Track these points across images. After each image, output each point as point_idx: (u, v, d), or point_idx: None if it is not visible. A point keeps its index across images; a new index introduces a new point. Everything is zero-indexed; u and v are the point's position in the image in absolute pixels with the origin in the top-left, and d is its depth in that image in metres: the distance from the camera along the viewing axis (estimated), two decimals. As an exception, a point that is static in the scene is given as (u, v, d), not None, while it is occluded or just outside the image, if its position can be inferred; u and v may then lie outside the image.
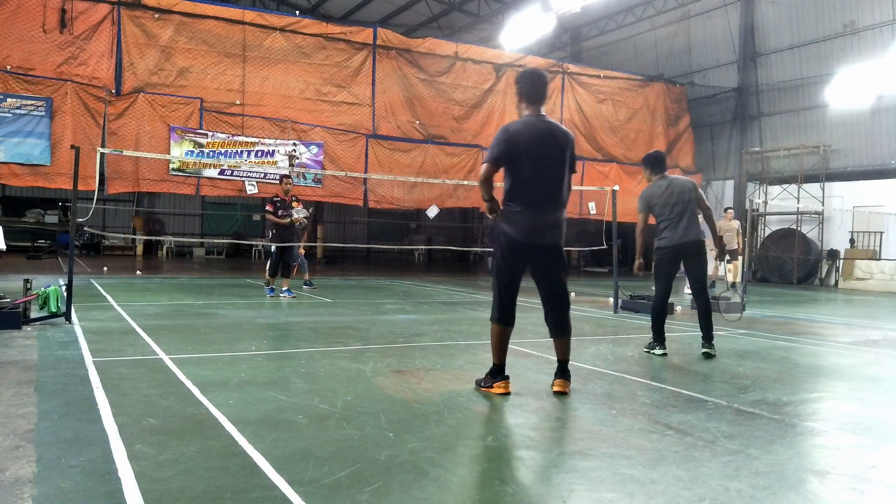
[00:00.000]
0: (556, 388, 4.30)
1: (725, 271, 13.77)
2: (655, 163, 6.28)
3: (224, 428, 3.29)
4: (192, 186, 15.31)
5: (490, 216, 4.31)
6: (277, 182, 16.05)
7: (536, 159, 4.19)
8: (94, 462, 2.75)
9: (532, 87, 4.41)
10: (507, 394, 4.20)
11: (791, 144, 20.59)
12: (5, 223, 20.58)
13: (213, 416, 3.48)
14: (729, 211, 14.79)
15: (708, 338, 5.99)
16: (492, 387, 4.26)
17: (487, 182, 4.23)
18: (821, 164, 19.84)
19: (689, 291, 6.60)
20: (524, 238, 4.18)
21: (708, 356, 5.87)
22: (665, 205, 6.03)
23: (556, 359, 4.40)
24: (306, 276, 12.14)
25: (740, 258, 14.07)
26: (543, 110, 4.41)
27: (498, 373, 4.30)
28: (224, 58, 15.37)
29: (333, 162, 16.31)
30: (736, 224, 14.29)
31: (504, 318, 4.31)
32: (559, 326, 4.36)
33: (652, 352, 6.04)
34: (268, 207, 10.54)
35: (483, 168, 4.27)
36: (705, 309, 6.05)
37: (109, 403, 3.66)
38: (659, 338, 6.08)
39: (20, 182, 14.07)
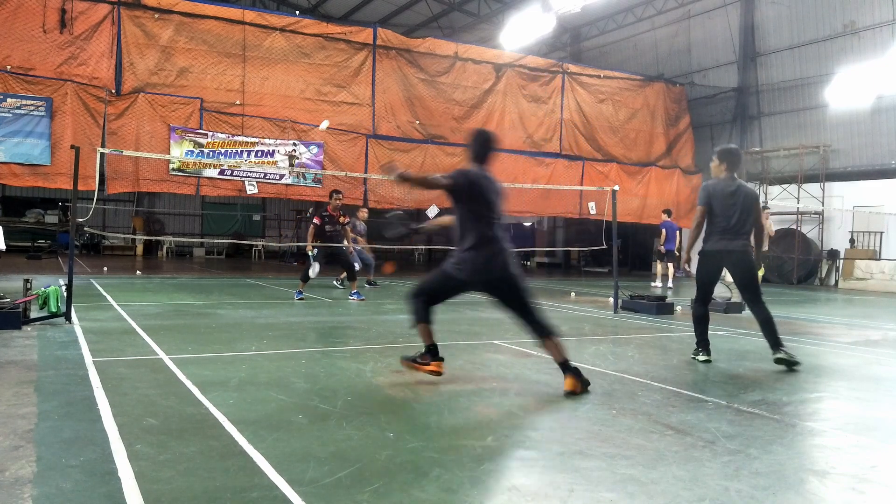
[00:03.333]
0: (566, 388, 4.28)
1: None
2: (733, 159, 5.80)
3: (224, 428, 3.29)
4: (192, 186, 15.31)
5: (411, 229, 4.81)
6: (276, 181, 16.04)
7: (492, 203, 4.41)
8: (94, 462, 2.75)
9: (482, 148, 4.57)
10: (440, 373, 4.43)
11: (791, 144, 20.59)
12: (5, 223, 20.61)
13: (213, 416, 3.48)
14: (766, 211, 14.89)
15: (776, 344, 5.51)
16: (429, 363, 4.45)
17: (434, 187, 4.49)
18: (821, 164, 19.84)
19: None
20: (472, 277, 4.35)
21: (783, 362, 5.39)
22: (726, 208, 5.63)
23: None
24: (370, 277, 12.93)
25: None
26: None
27: (435, 353, 4.49)
28: (224, 58, 15.37)
29: (333, 162, 16.32)
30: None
31: (428, 318, 4.49)
32: (538, 331, 4.40)
33: (696, 358, 5.76)
34: (315, 221, 10.56)
35: (444, 181, 4.36)
36: (765, 321, 5.60)
37: (109, 403, 3.66)
38: (702, 342, 5.78)
39: (20, 182, 14.07)
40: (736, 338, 7.31)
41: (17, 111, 13.34)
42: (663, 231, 15.90)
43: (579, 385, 4.28)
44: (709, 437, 3.43)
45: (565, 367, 4.33)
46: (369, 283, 12.65)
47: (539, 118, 19.41)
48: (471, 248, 4.32)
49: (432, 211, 14.75)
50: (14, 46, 13.42)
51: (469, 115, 18.43)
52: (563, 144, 19.76)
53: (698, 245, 5.88)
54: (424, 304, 4.49)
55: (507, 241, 4.46)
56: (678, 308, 9.93)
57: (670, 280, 15.87)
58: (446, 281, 4.49)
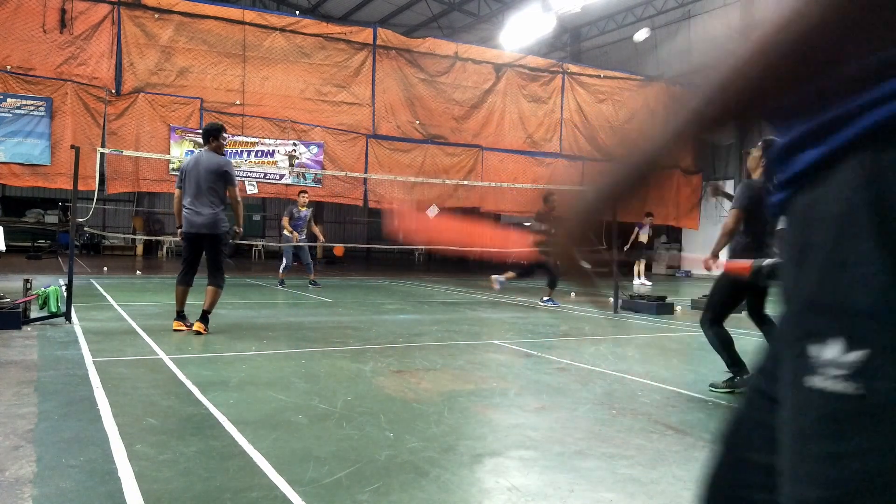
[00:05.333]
0: (195, 328, 6.19)
1: None
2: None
3: (224, 428, 3.29)
4: (193, 186, 15.30)
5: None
6: (276, 181, 16.09)
7: (192, 178, 6.26)
8: (94, 462, 2.75)
9: (204, 135, 6.56)
10: (180, 330, 6.25)
11: (791, 144, 20.58)
12: (5, 223, 20.56)
13: (214, 416, 3.48)
14: None
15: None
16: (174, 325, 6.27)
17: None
18: (821, 164, 19.84)
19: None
20: (189, 229, 6.25)
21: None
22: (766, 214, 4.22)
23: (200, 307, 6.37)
24: (312, 277, 12.63)
25: None
26: (208, 147, 6.48)
27: (181, 316, 6.36)
28: (224, 58, 15.36)
29: (333, 162, 16.32)
30: None
31: (188, 281, 6.46)
32: (209, 278, 6.31)
33: (736, 391, 4.51)
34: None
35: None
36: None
37: (109, 403, 3.66)
38: (736, 361, 4.65)
39: (20, 182, 14.06)
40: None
41: (17, 111, 13.33)
42: (636, 229, 16.47)
43: (204, 328, 6.18)
44: (709, 437, 3.43)
45: (205, 314, 6.23)
46: (312, 283, 12.42)
47: (539, 118, 19.42)
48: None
49: (432, 211, 14.73)
50: (14, 46, 13.40)
51: (469, 114, 18.43)
52: (563, 144, 19.77)
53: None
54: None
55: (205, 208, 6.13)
56: (678, 308, 9.93)
57: (635, 276, 16.37)
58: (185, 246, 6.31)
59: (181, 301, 6.46)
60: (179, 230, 6.37)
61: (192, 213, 6.18)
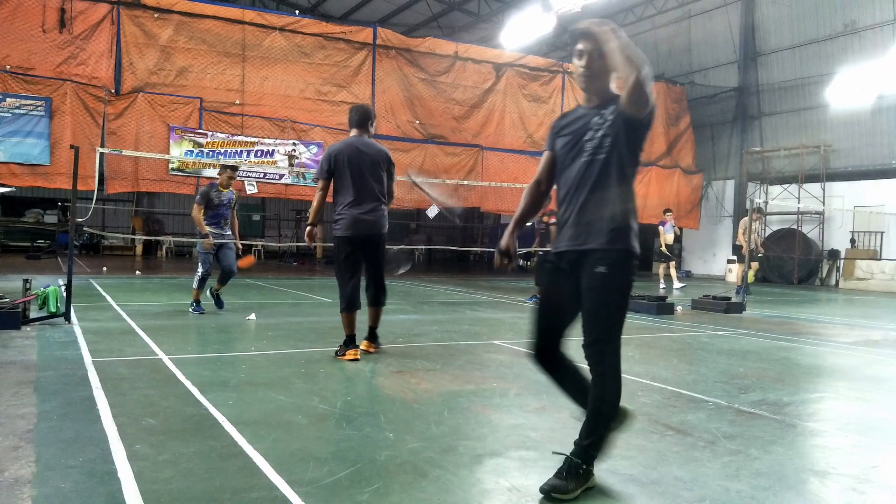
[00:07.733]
0: (362, 347, 5.38)
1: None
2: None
3: (224, 428, 3.28)
4: (192, 186, 15.29)
5: (307, 239, 5.28)
6: (276, 181, 15.97)
7: (355, 170, 5.17)
8: (93, 462, 2.74)
9: (359, 117, 5.33)
10: (357, 359, 5.12)
11: (792, 144, 20.58)
12: (5, 223, 20.62)
13: (213, 417, 3.48)
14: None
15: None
16: (345, 354, 5.18)
17: (321, 199, 5.27)
18: (821, 164, 19.83)
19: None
20: (350, 233, 5.18)
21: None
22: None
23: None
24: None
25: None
26: (366, 135, 5.33)
27: (350, 342, 5.23)
28: (224, 57, 15.36)
29: (333, 162, 16.29)
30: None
31: (350, 307, 5.27)
32: (377, 298, 5.47)
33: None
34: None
35: (320, 178, 5.27)
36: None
37: (109, 403, 3.65)
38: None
39: (20, 182, 14.05)
40: (737, 338, 7.30)
41: (17, 111, 13.32)
42: (661, 229, 15.67)
43: (374, 347, 5.50)
44: (709, 437, 3.42)
45: (371, 331, 5.53)
46: (215, 297, 8.17)
47: (539, 118, 19.41)
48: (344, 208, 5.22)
49: (432, 211, 14.74)
50: (13, 46, 13.40)
51: (469, 114, 18.42)
52: (564, 144, 19.72)
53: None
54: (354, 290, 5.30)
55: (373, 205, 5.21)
56: (678, 308, 9.92)
57: (675, 280, 15.60)
58: (339, 255, 5.28)
59: (352, 325, 5.29)
60: (310, 228, 5.31)
61: (362, 212, 5.15)
